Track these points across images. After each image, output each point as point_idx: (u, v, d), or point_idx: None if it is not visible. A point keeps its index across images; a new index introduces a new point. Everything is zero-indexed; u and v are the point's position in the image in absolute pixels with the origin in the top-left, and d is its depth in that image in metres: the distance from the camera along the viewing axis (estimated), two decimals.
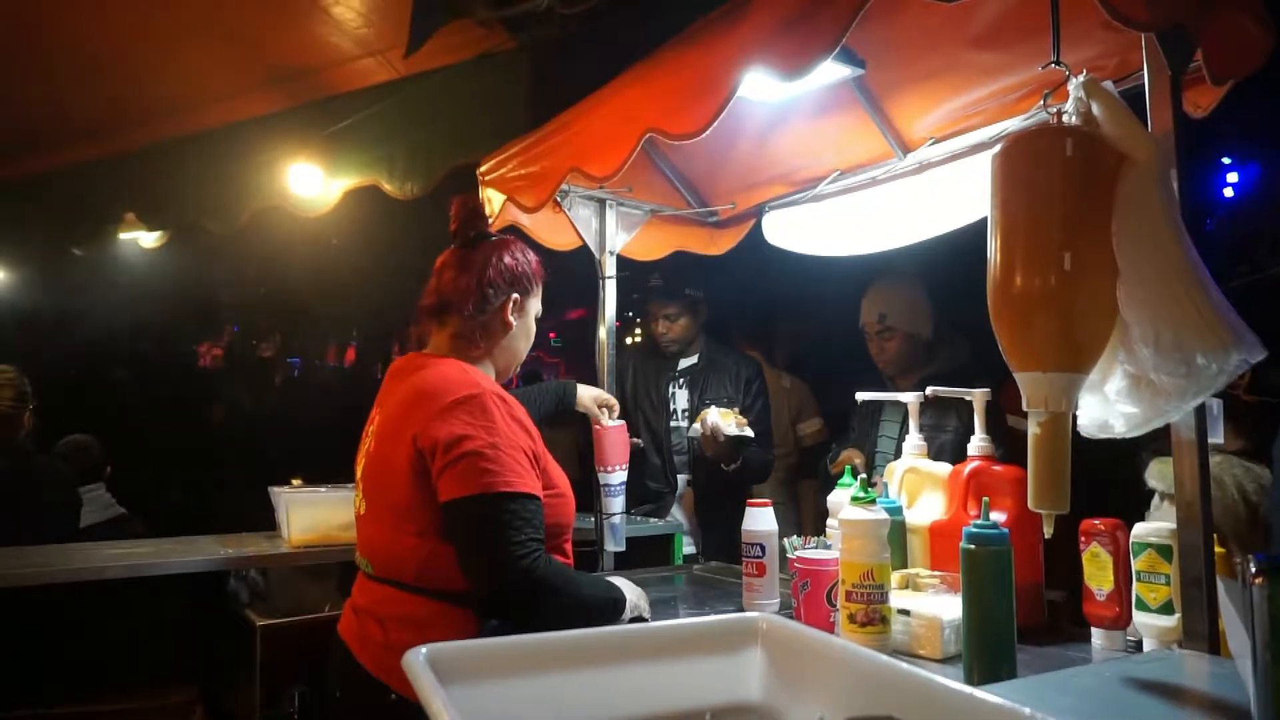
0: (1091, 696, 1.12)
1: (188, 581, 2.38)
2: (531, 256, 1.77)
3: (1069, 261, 1.25)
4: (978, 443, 1.78)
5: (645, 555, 2.78)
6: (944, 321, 2.78)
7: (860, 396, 2.33)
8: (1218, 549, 1.33)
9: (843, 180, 2.50)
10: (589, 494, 2.48)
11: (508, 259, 1.71)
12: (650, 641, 0.99)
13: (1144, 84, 1.38)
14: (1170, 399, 1.23)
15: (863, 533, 1.49)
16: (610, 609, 1.59)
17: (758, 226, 2.82)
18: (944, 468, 1.88)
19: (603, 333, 2.68)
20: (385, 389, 1.69)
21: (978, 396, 1.85)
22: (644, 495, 3.11)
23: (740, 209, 2.86)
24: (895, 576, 1.63)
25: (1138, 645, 1.50)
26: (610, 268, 2.68)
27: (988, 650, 1.32)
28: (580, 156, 2.12)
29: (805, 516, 3.83)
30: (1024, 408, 1.31)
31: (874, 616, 1.47)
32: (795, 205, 2.69)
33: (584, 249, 2.70)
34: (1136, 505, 1.87)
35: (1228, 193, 5.58)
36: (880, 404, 2.72)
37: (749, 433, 2.69)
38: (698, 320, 3.18)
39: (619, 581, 1.66)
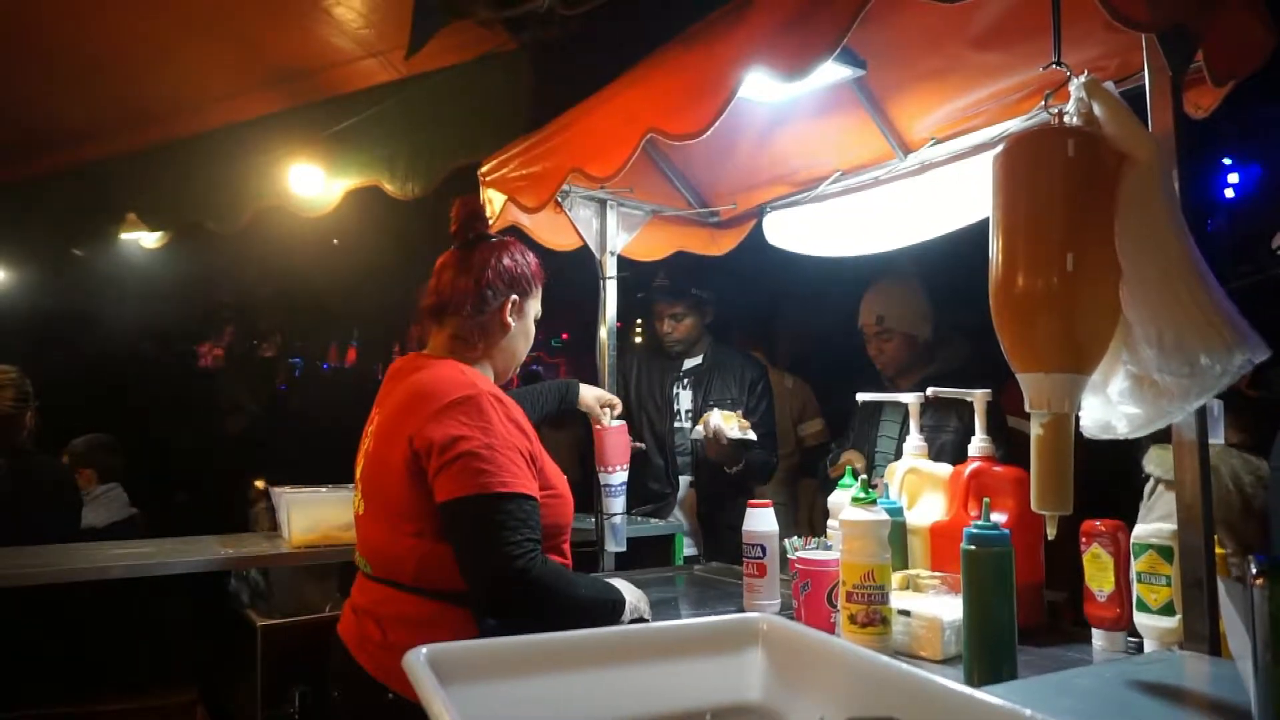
0: (1092, 697, 1.12)
1: (189, 582, 2.38)
2: (531, 258, 1.77)
3: (1071, 262, 1.25)
4: (978, 443, 1.78)
5: (646, 556, 2.78)
6: (944, 321, 2.78)
7: (861, 397, 2.33)
8: (1218, 550, 1.33)
9: (844, 181, 2.50)
10: (590, 494, 2.48)
11: (506, 260, 1.71)
12: (651, 642, 0.98)
13: (1145, 84, 1.38)
14: (1173, 399, 1.23)
15: (863, 533, 1.49)
16: (609, 610, 1.58)
17: (759, 227, 2.82)
18: (945, 468, 1.88)
19: (604, 333, 2.68)
20: (384, 390, 1.70)
21: (978, 397, 1.85)
22: (645, 496, 3.11)
23: (741, 209, 2.86)
24: (896, 577, 1.63)
25: (1138, 646, 1.50)
26: (611, 268, 2.68)
27: (988, 651, 1.32)
28: (581, 157, 2.12)
29: (805, 517, 3.83)
30: (1026, 409, 1.31)
31: (874, 617, 1.47)
32: (796, 206, 2.69)
33: (585, 249, 2.70)
34: (1137, 506, 1.87)
35: (1229, 193, 5.58)
36: (880, 404, 2.72)
37: (752, 436, 2.69)
38: (703, 320, 3.18)
39: (618, 583, 1.66)
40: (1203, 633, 1.27)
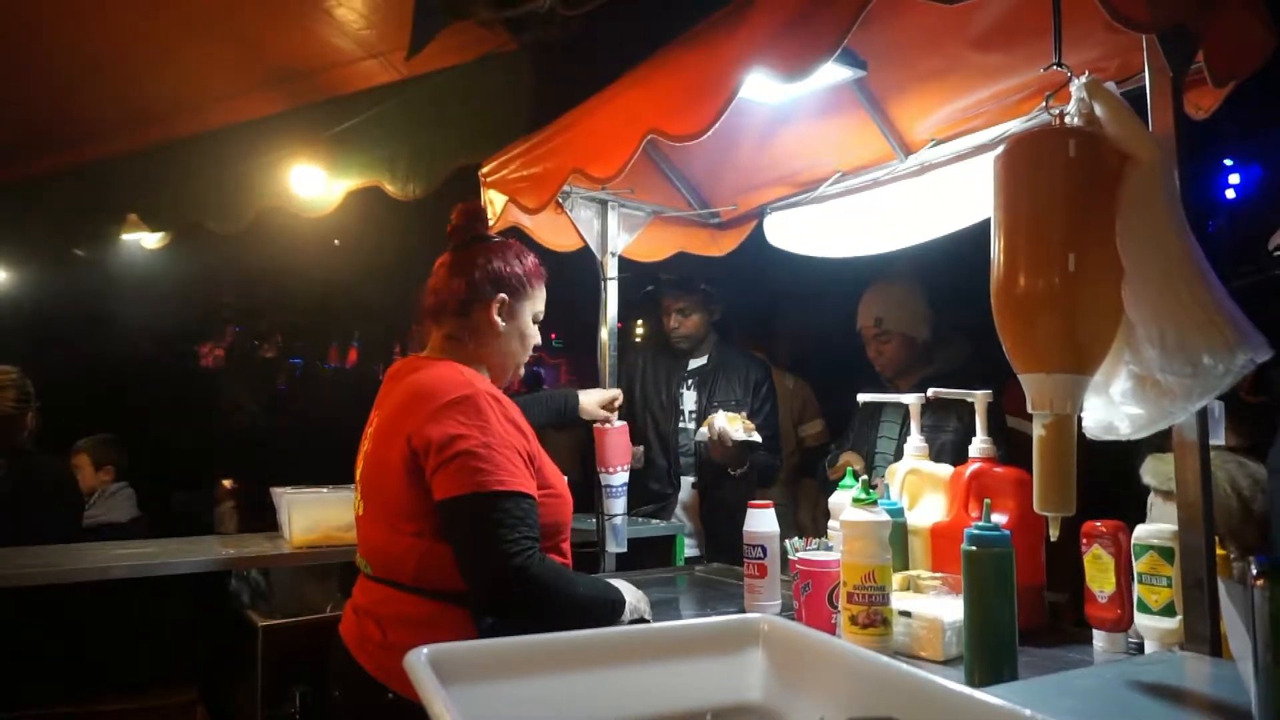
0: (1093, 698, 1.12)
1: (189, 582, 2.38)
2: (528, 260, 1.77)
3: (1073, 262, 1.25)
4: (979, 444, 1.78)
5: (647, 557, 2.78)
6: (943, 322, 2.78)
7: (862, 398, 2.33)
8: (1219, 551, 1.33)
9: (844, 182, 2.50)
10: (591, 495, 2.49)
11: (496, 261, 1.71)
12: (652, 642, 0.99)
13: (1145, 85, 1.38)
14: (1176, 400, 1.23)
15: (864, 534, 1.49)
16: (608, 610, 1.59)
17: (759, 228, 2.82)
18: (945, 469, 1.88)
19: (604, 334, 2.68)
20: (383, 391, 1.71)
21: (979, 398, 1.85)
22: (646, 496, 3.11)
23: (742, 210, 2.86)
24: (896, 578, 1.63)
25: (1139, 647, 1.49)
26: (612, 269, 2.69)
27: (989, 652, 1.32)
28: (582, 158, 2.12)
29: (809, 517, 3.83)
30: (1029, 409, 1.31)
31: (875, 618, 1.47)
32: (797, 206, 2.69)
33: (585, 250, 2.71)
34: (1138, 506, 1.87)
35: (1229, 194, 5.58)
36: (880, 405, 2.72)
37: (756, 438, 2.68)
38: (710, 317, 3.17)
39: (618, 583, 1.66)
40: (1204, 634, 1.27)
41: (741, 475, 2.87)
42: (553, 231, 2.76)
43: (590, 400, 2.36)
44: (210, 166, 3.94)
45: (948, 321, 2.80)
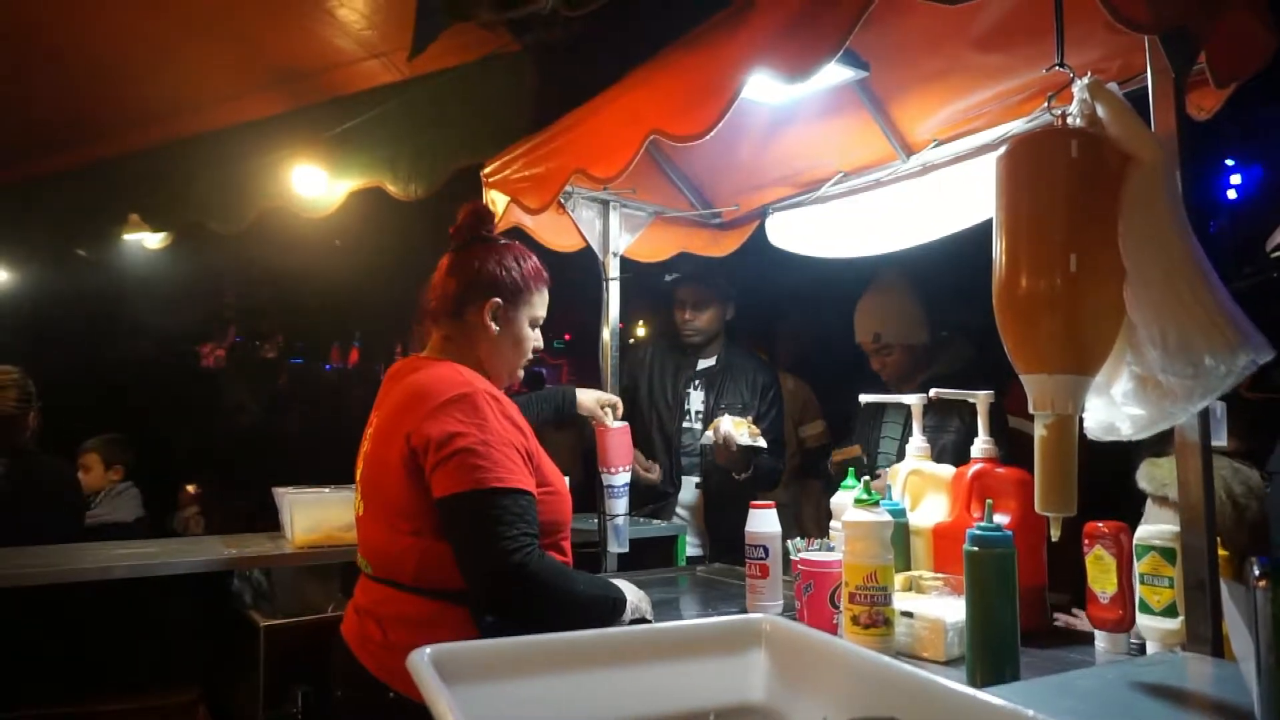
0: (1094, 699, 1.12)
1: (192, 582, 2.38)
2: (527, 263, 1.75)
3: (1074, 263, 1.25)
4: (981, 445, 1.78)
5: (648, 557, 2.78)
6: (942, 322, 2.77)
7: (864, 398, 2.33)
8: (1221, 552, 1.33)
9: (846, 182, 2.51)
10: (593, 495, 2.49)
11: (492, 264, 1.71)
12: (654, 642, 0.99)
13: (1147, 86, 1.38)
14: (1177, 400, 1.23)
15: (866, 535, 1.49)
16: (609, 608, 1.59)
17: (761, 228, 2.82)
18: (947, 470, 1.88)
19: (606, 334, 2.68)
20: (383, 391, 1.71)
21: (981, 399, 1.85)
22: (647, 496, 3.11)
23: (744, 211, 2.86)
24: (898, 579, 1.63)
25: (1141, 648, 1.49)
26: (614, 269, 2.69)
27: (991, 652, 1.32)
28: (584, 158, 2.13)
29: (813, 515, 3.82)
30: (1030, 410, 1.31)
31: (877, 618, 1.47)
32: (799, 207, 2.69)
33: (587, 250, 2.71)
34: (1139, 508, 1.87)
35: (1231, 194, 5.57)
36: (883, 405, 2.72)
37: (762, 443, 2.68)
38: (723, 314, 3.15)
39: (619, 583, 1.66)
40: (1205, 634, 1.27)
41: (745, 480, 2.86)
42: (555, 232, 2.76)
43: (589, 397, 2.36)
44: (212, 167, 3.94)
45: (949, 323, 2.79)
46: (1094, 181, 1.28)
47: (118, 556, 2.39)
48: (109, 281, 5.82)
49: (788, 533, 1.91)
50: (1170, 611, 1.41)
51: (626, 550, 2.46)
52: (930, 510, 1.86)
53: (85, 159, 4.29)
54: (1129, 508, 1.84)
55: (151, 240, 4.40)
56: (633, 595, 1.64)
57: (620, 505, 2.40)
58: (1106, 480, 2.04)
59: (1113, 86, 1.36)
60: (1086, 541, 1.54)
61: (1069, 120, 1.36)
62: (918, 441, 1.98)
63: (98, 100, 3.81)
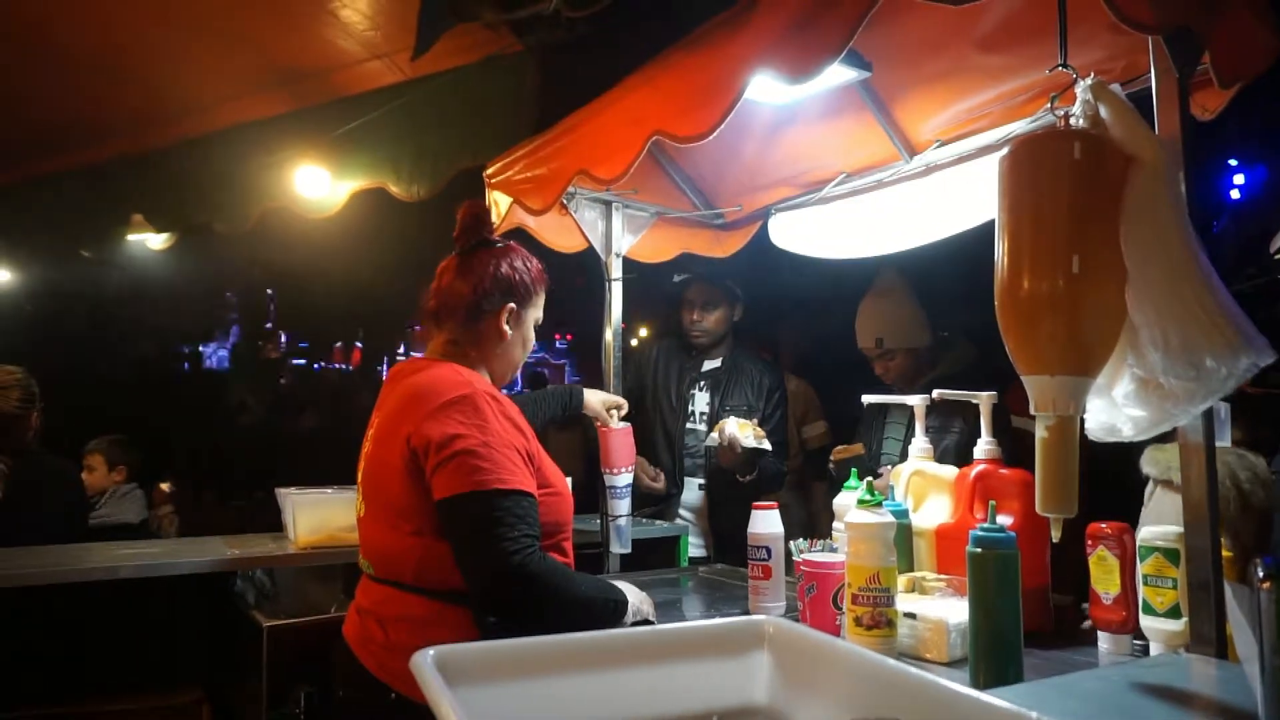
0: (1098, 700, 1.12)
1: (195, 582, 2.39)
2: (532, 265, 1.76)
3: (1076, 264, 1.25)
4: (984, 446, 1.78)
5: (651, 557, 2.78)
6: (943, 323, 2.77)
7: (866, 399, 2.33)
8: (1225, 553, 1.33)
9: (849, 183, 2.51)
10: (595, 496, 2.49)
11: (504, 268, 1.71)
12: (657, 644, 0.99)
13: (1151, 87, 1.38)
14: (1179, 402, 1.23)
15: (869, 536, 1.48)
16: (610, 610, 1.58)
17: (764, 229, 2.82)
18: (950, 471, 1.87)
19: (609, 335, 2.68)
20: (384, 393, 1.71)
21: (984, 399, 1.84)
22: (649, 497, 3.11)
23: (747, 211, 2.86)
24: (901, 580, 1.63)
25: (1144, 649, 1.49)
26: (616, 270, 2.69)
27: (994, 654, 1.32)
28: (587, 159, 2.13)
29: (814, 519, 3.82)
30: (1031, 411, 1.31)
31: (880, 620, 1.47)
32: (802, 208, 2.69)
33: (590, 251, 2.71)
34: (1140, 500, 1.86)
35: (1234, 194, 5.57)
36: (886, 406, 2.72)
37: (766, 445, 2.68)
38: (731, 316, 3.15)
39: (621, 585, 1.66)
40: (1209, 636, 1.27)
41: (749, 481, 2.86)
42: (557, 232, 2.76)
43: (595, 398, 2.37)
44: (215, 167, 3.95)
45: (949, 322, 2.79)
46: (1096, 183, 1.28)
47: (121, 557, 2.39)
48: (113, 282, 5.84)
49: (793, 535, 1.91)
50: (1174, 613, 1.40)
51: (629, 551, 2.46)
52: (933, 511, 1.86)
53: (89, 159, 4.30)
54: (1133, 509, 1.84)
55: (155, 241, 4.41)
56: (634, 598, 1.64)
57: (623, 506, 2.40)
58: (1110, 481, 2.04)
59: (1116, 87, 1.35)
60: (1090, 542, 1.54)
61: (1072, 121, 1.36)
62: (920, 442, 1.98)
63: (102, 101, 3.82)
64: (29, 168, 4.46)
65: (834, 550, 1.76)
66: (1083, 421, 1.31)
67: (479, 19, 2.95)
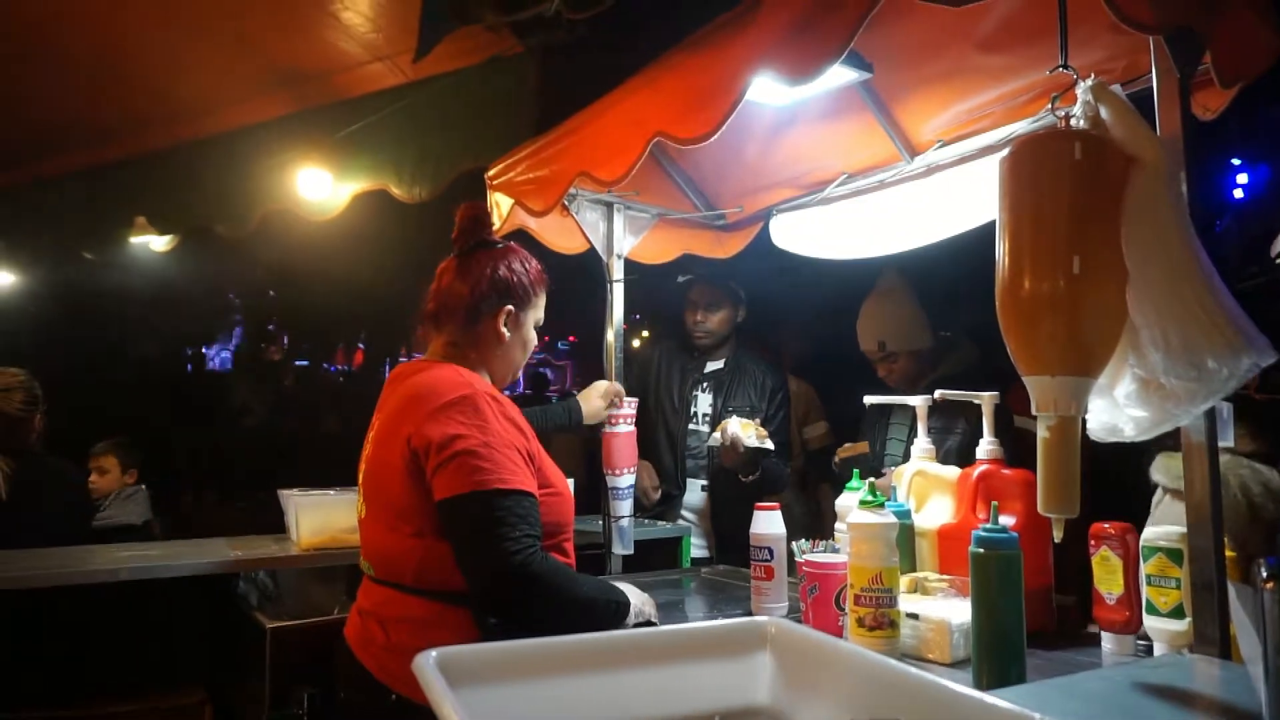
0: (1101, 701, 1.12)
1: (197, 583, 2.39)
2: (532, 265, 1.76)
3: (1077, 265, 1.25)
4: (986, 446, 1.78)
5: (653, 558, 2.77)
6: (946, 324, 2.76)
7: (868, 400, 2.33)
8: (1229, 553, 1.33)
9: (851, 183, 2.50)
10: (597, 497, 2.49)
11: (503, 270, 1.71)
12: (659, 645, 0.99)
13: (1152, 87, 1.38)
14: (1180, 403, 1.23)
15: (871, 536, 1.48)
16: (612, 611, 1.58)
17: (765, 230, 2.82)
18: (952, 471, 1.87)
19: (610, 336, 2.68)
20: (384, 395, 1.71)
21: (986, 400, 1.84)
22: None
23: (748, 212, 2.86)
24: (904, 580, 1.63)
25: (1148, 650, 1.49)
26: (618, 271, 2.69)
27: (997, 654, 1.32)
28: (588, 160, 2.13)
29: (822, 520, 3.81)
30: (1033, 411, 1.31)
31: (882, 620, 1.47)
32: (803, 209, 2.69)
33: (591, 252, 2.71)
34: (1145, 507, 1.86)
35: (1237, 194, 5.56)
36: (889, 407, 2.71)
37: (769, 445, 2.68)
38: (734, 317, 3.15)
39: (623, 586, 1.66)
40: (1213, 636, 1.27)
41: (752, 482, 2.86)
42: (558, 234, 2.76)
43: (593, 406, 2.36)
44: (218, 169, 3.96)
45: (952, 324, 2.79)
46: (1097, 183, 1.28)
47: (124, 558, 2.40)
48: (115, 284, 5.85)
49: (791, 534, 1.91)
50: (1177, 613, 1.40)
51: (631, 552, 2.45)
52: (935, 512, 1.86)
53: (92, 161, 4.31)
54: (1136, 509, 1.83)
55: (158, 243, 4.42)
56: (636, 599, 1.64)
57: (625, 507, 2.40)
58: (1113, 482, 2.04)
59: (1116, 88, 1.36)
60: (1093, 543, 1.54)
61: (1072, 122, 1.36)
62: (923, 443, 1.98)
63: (104, 103, 3.83)
64: (32, 169, 4.47)
65: (836, 551, 1.76)
66: (1084, 422, 1.31)
67: (480, 21, 2.95)
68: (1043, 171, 1.31)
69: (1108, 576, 1.51)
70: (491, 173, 2.55)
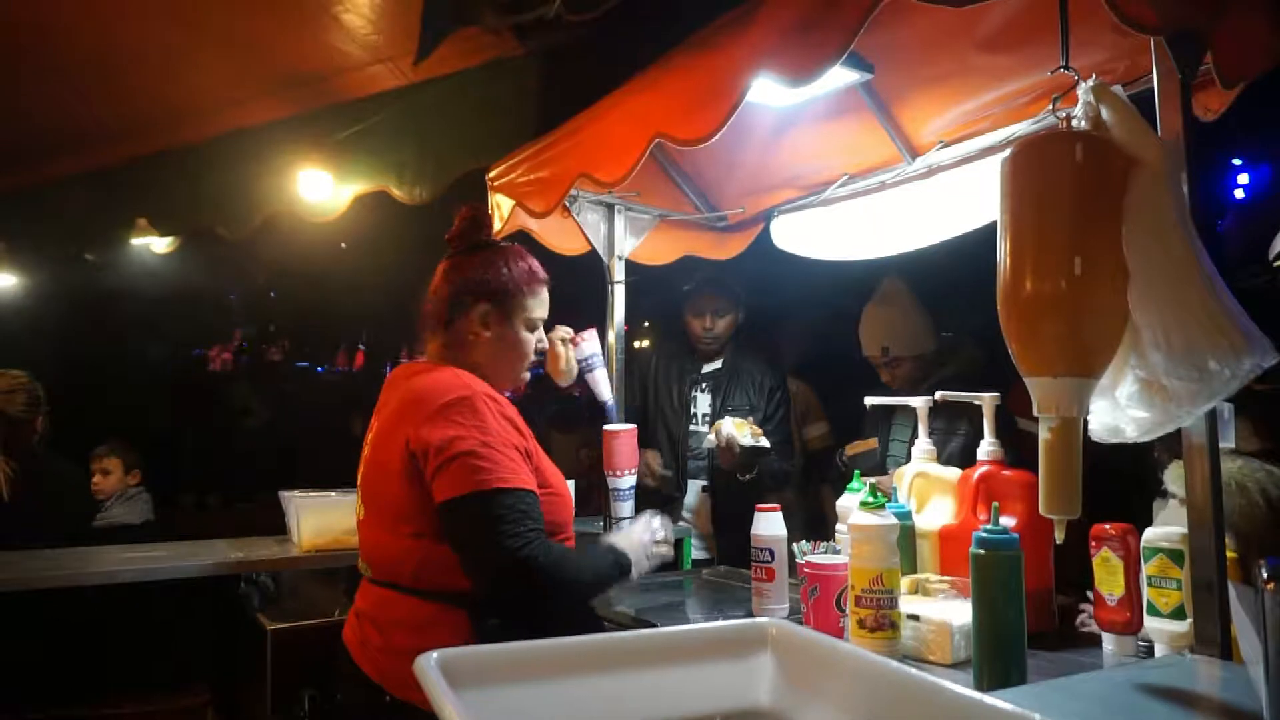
0: (1102, 702, 1.12)
1: (200, 585, 2.39)
2: (518, 266, 1.73)
3: (1079, 266, 1.25)
4: (987, 447, 1.78)
5: None
6: (948, 325, 2.76)
7: (869, 401, 2.33)
8: (1230, 554, 1.33)
9: (851, 184, 2.50)
10: (598, 498, 2.49)
11: (480, 269, 1.70)
12: (660, 646, 0.99)
13: (1153, 87, 1.38)
14: (1182, 403, 1.22)
15: (872, 538, 1.48)
16: (618, 573, 1.61)
17: (766, 230, 2.82)
18: (954, 472, 1.87)
19: (611, 337, 2.68)
20: (383, 397, 1.71)
21: (987, 401, 1.84)
22: (652, 498, 3.10)
23: (749, 213, 2.86)
24: (905, 581, 1.63)
25: (1149, 650, 1.49)
26: (619, 272, 2.69)
27: (998, 655, 1.32)
28: (589, 162, 2.13)
29: (823, 520, 3.81)
30: (1034, 413, 1.31)
31: (883, 621, 1.47)
32: (804, 209, 2.69)
33: (592, 253, 2.71)
34: (1147, 509, 1.86)
35: (1239, 194, 5.55)
36: (892, 408, 2.71)
37: (764, 443, 2.67)
38: (738, 321, 3.16)
39: (615, 540, 1.67)
40: (1214, 637, 1.27)
41: (750, 481, 2.86)
42: (559, 235, 2.76)
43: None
44: (219, 171, 3.96)
45: (954, 325, 2.79)
46: (1098, 184, 1.28)
47: (126, 560, 2.40)
48: (117, 286, 5.85)
49: (791, 535, 1.91)
50: (1178, 614, 1.40)
51: None
52: (936, 513, 1.86)
53: (94, 164, 4.31)
54: (1137, 509, 1.83)
55: (159, 245, 4.43)
56: (632, 550, 1.66)
57: (626, 508, 2.39)
58: (1115, 483, 2.04)
59: (1118, 89, 1.35)
60: (1094, 544, 1.54)
61: (1074, 123, 1.36)
62: (924, 444, 1.98)
63: (106, 105, 3.83)
64: (33, 172, 4.48)
65: (837, 552, 1.76)
66: (1086, 423, 1.31)
67: (481, 23, 2.95)
68: (1044, 173, 1.31)
69: (1109, 577, 1.51)
70: (492, 174, 2.56)
